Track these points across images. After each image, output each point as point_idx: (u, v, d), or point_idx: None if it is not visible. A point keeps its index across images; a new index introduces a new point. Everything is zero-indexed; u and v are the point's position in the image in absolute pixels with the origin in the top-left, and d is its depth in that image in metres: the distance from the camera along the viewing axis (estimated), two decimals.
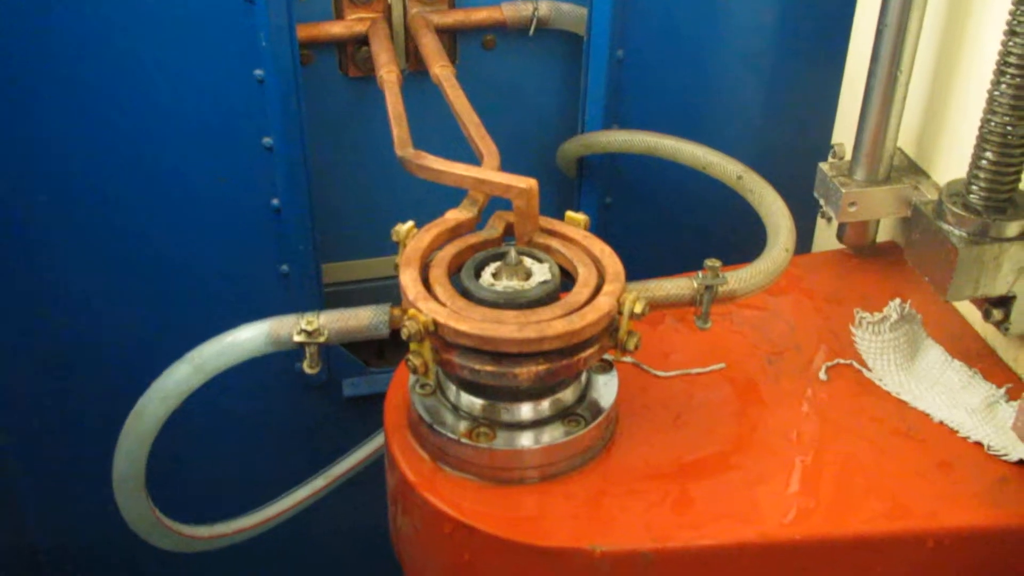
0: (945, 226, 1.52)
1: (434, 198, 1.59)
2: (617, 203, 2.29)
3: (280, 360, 2.15)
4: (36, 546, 2.44)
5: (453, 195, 1.50)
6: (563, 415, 1.41)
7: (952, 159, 1.69)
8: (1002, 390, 1.53)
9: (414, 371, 1.32)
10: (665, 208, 2.32)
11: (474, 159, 1.59)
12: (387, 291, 2.33)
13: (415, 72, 2.15)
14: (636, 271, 1.40)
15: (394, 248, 1.42)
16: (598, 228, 2.25)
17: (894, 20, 1.59)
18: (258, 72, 1.90)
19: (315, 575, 2.67)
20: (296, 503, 1.88)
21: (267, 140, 1.98)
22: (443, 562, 1.43)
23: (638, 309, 1.31)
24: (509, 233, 1.44)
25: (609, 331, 1.33)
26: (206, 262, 2.11)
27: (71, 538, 2.44)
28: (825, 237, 2.05)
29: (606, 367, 1.48)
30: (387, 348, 2.49)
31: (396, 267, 1.37)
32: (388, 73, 1.89)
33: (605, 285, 1.34)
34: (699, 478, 1.42)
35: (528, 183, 1.40)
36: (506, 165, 1.56)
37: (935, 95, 1.73)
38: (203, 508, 1.77)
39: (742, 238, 1.75)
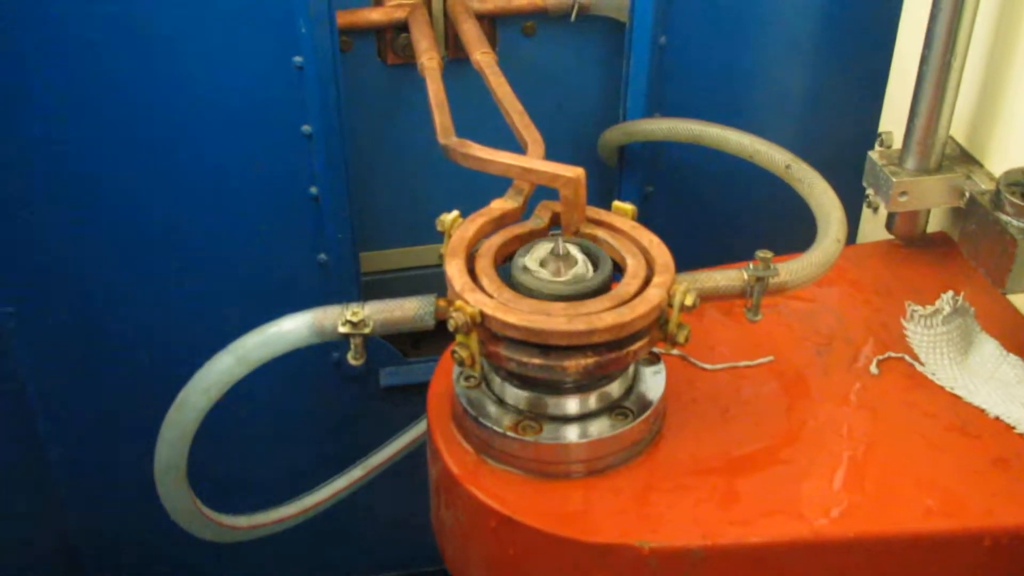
0: (1003, 217, 1.48)
1: (472, 187, 1.57)
2: (659, 192, 2.26)
3: (316, 351, 2.14)
4: (76, 540, 2.44)
5: (491, 184, 1.47)
6: (610, 408, 1.38)
7: (1007, 148, 1.64)
8: None
9: (460, 363, 1.30)
10: (708, 198, 2.28)
11: (515, 146, 1.56)
12: (426, 280, 2.32)
13: (453, 60, 2.13)
14: (678, 262, 1.37)
15: (433, 237, 1.40)
16: (639, 218, 2.21)
17: (949, 4, 1.55)
18: (297, 59, 1.89)
19: (353, 565, 2.67)
20: (334, 493, 1.88)
21: (306, 128, 1.96)
22: (487, 556, 1.42)
23: (689, 301, 1.29)
24: (556, 223, 1.42)
25: (659, 323, 1.31)
26: (244, 251, 2.10)
27: (111, 531, 2.45)
28: (870, 227, 2.00)
29: (654, 360, 1.46)
30: (423, 337, 2.48)
31: (441, 257, 1.35)
32: (429, 60, 1.87)
33: (655, 277, 1.31)
34: (748, 473, 1.39)
35: (575, 172, 1.37)
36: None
37: (989, 82, 1.69)
38: (242, 498, 1.76)
39: (786, 229, 1.72)
